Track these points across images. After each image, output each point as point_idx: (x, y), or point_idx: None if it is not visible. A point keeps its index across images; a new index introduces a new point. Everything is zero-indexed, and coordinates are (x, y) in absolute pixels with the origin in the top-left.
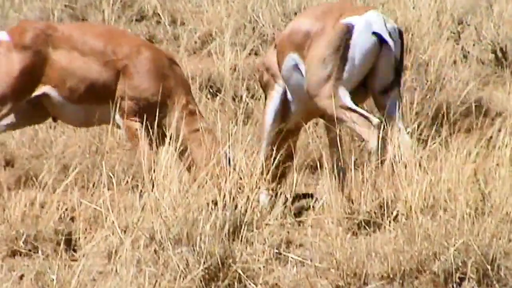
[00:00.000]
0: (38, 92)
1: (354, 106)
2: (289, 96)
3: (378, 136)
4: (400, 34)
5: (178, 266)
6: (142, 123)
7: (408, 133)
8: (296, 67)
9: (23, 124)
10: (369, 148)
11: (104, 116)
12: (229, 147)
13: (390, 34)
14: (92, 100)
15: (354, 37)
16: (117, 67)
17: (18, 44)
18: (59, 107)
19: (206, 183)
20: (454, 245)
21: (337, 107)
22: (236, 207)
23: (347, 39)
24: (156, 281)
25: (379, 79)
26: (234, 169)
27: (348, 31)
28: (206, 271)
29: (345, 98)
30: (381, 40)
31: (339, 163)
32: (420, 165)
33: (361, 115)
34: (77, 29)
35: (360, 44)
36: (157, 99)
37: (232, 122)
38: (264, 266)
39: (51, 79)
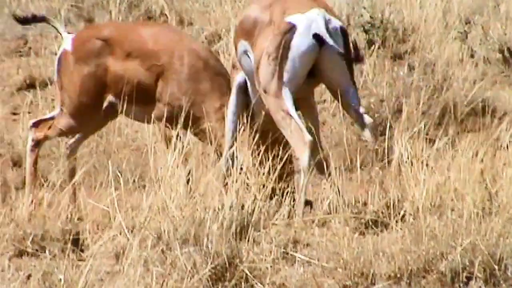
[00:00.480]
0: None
1: (295, 114)
2: (248, 84)
3: (309, 155)
4: (344, 32)
5: (185, 266)
6: (175, 128)
7: (370, 127)
8: (246, 53)
9: (93, 132)
10: (299, 166)
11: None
12: (235, 149)
13: (330, 34)
14: (143, 103)
15: (294, 37)
16: (157, 71)
17: (80, 58)
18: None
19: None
20: (461, 244)
21: (279, 110)
22: (243, 207)
23: (289, 39)
24: (164, 281)
25: (331, 80)
26: (241, 168)
27: (290, 30)
28: (213, 271)
29: (288, 102)
30: (321, 41)
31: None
32: (427, 165)
33: (298, 127)
34: (130, 31)
35: (300, 45)
36: (190, 105)
37: (239, 121)
38: (271, 266)
39: (111, 87)
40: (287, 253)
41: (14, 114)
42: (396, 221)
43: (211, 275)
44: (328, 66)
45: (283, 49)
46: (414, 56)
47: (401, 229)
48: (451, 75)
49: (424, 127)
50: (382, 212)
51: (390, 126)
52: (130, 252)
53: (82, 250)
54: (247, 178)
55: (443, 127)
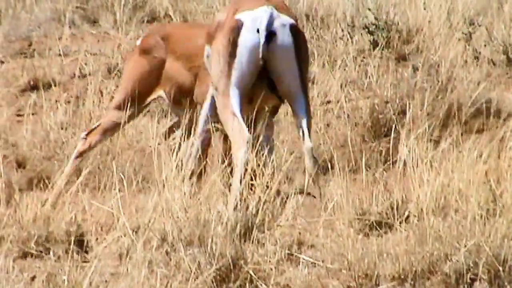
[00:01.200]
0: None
1: (238, 113)
2: None
3: (245, 152)
4: (294, 30)
5: (190, 267)
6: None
7: (309, 153)
8: (208, 57)
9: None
10: (234, 162)
11: None
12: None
13: (276, 30)
14: (187, 104)
15: (241, 33)
16: (194, 73)
17: (142, 50)
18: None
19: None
20: (466, 246)
21: (225, 109)
22: (247, 208)
23: (236, 36)
24: (168, 282)
25: (281, 84)
26: (246, 169)
27: (237, 27)
28: (218, 272)
29: (234, 100)
30: (268, 38)
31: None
32: (431, 166)
33: (240, 125)
34: (184, 31)
35: (246, 41)
36: None
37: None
38: (275, 267)
39: (164, 83)
40: (292, 255)
41: (18, 115)
42: (400, 222)
43: (215, 277)
44: (276, 66)
45: (232, 46)
46: (419, 57)
47: (405, 230)
48: (455, 76)
49: (428, 128)
50: (386, 213)
51: (395, 127)
52: (134, 253)
53: (86, 252)
54: (251, 179)
55: (448, 128)
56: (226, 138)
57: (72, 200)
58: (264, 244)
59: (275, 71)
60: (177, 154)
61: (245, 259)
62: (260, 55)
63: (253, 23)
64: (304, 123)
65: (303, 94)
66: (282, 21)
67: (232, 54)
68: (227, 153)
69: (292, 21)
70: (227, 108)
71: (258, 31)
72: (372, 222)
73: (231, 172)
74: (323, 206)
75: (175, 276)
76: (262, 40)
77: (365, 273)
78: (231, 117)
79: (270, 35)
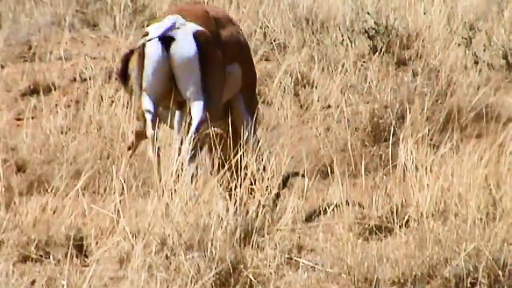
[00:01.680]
0: None
1: (147, 114)
2: None
3: (153, 147)
4: (197, 38)
5: (190, 272)
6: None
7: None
8: None
9: None
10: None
11: None
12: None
13: (174, 37)
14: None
15: (147, 45)
16: None
17: None
18: None
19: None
20: (465, 250)
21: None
22: (247, 212)
23: (144, 46)
24: (168, 286)
25: (179, 84)
26: (246, 174)
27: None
28: (218, 276)
29: (146, 105)
30: (167, 47)
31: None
32: (431, 170)
33: (147, 124)
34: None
35: (149, 50)
36: None
37: (243, 127)
38: (275, 271)
39: None
40: (291, 259)
41: (18, 119)
42: (400, 227)
43: (215, 281)
44: (176, 72)
45: (140, 57)
46: (418, 62)
47: (405, 234)
48: (455, 80)
49: (428, 132)
50: (386, 218)
51: (394, 132)
52: (134, 257)
53: (86, 256)
54: (251, 184)
55: (447, 133)
56: (211, 149)
57: (72, 204)
58: (263, 248)
59: (176, 76)
60: (176, 158)
61: (244, 263)
62: (162, 63)
63: (155, 32)
64: (192, 129)
65: (200, 102)
66: (186, 28)
67: (141, 65)
68: (213, 164)
69: (196, 29)
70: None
71: (159, 39)
72: (372, 226)
73: (231, 176)
74: (322, 210)
75: (174, 280)
76: (159, 46)
77: (365, 277)
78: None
79: (170, 42)
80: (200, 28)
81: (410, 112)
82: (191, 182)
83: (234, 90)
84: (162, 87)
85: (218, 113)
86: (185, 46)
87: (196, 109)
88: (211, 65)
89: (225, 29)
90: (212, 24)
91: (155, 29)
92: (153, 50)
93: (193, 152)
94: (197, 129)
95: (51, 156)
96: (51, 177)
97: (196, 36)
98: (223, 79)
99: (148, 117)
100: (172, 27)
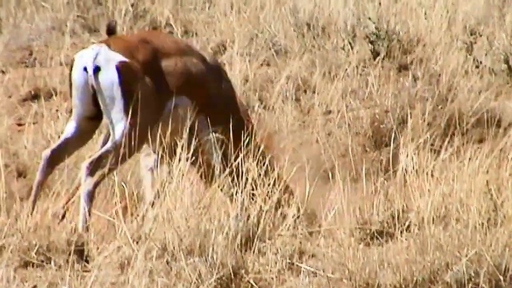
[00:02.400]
0: None
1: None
2: None
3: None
4: (118, 68)
5: (191, 277)
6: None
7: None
8: None
9: None
10: None
11: None
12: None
13: (99, 66)
14: None
15: (72, 71)
16: None
17: None
18: None
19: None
20: (467, 255)
21: None
22: (248, 217)
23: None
24: None
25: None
26: (247, 179)
27: (71, 66)
28: (219, 281)
29: (66, 129)
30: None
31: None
32: (432, 175)
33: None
34: None
35: (74, 78)
36: None
37: (244, 132)
38: (276, 277)
39: None
40: (293, 264)
41: (19, 124)
42: (401, 232)
43: (216, 286)
44: (100, 97)
45: (69, 81)
46: (419, 67)
47: (406, 239)
48: (456, 85)
49: (429, 137)
50: (387, 223)
51: (395, 137)
52: (135, 262)
53: (87, 261)
54: (252, 189)
55: (448, 138)
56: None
57: (73, 209)
58: (265, 253)
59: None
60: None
61: (246, 269)
62: (86, 89)
63: (78, 61)
64: (104, 149)
65: (117, 128)
66: (109, 57)
67: (70, 89)
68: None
69: (119, 60)
70: None
71: (84, 68)
72: (373, 232)
73: (232, 181)
74: (324, 216)
75: (175, 285)
76: (89, 73)
77: (366, 282)
78: None
79: (96, 70)
80: (122, 58)
81: (411, 117)
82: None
83: (186, 119)
84: (87, 110)
85: (143, 137)
86: (108, 75)
87: (116, 132)
88: (135, 94)
89: (170, 61)
90: (145, 54)
91: (78, 58)
92: (78, 76)
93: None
94: (111, 148)
95: None
96: (52, 182)
97: (118, 68)
98: (150, 108)
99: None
100: (96, 57)
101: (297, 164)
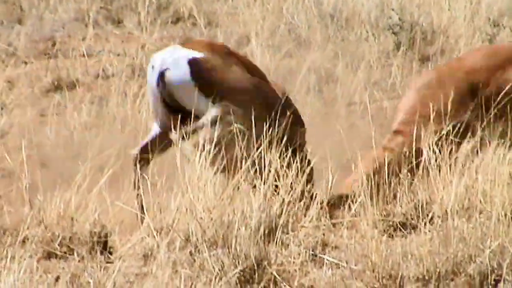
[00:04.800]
0: None
1: (147, 137)
2: None
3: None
4: (192, 63)
5: (214, 268)
6: None
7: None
8: None
9: None
10: None
11: None
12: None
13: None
14: None
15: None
16: None
17: None
18: None
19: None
20: (490, 247)
21: None
22: (271, 209)
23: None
24: (192, 283)
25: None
26: (269, 171)
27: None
28: (242, 273)
29: (152, 130)
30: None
31: None
32: (455, 167)
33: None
34: None
35: (148, 79)
36: None
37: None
38: (299, 268)
39: None
40: (316, 256)
41: (42, 115)
42: (425, 224)
43: (239, 278)
44: (178, 96)
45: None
46: (442, 58)
47: (429, 231)
48: None
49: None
50: (410, 215)
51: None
52: (158, 254)
53: (110, 252)
54: (275, 180)
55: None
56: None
57: (96, 200)
58: (288, 245)
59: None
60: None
61: (269, 260)
62: (157, 90)
63: (152, 62)
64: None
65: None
66: (181, 55)
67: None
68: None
69: (192, 56)
70: None
71: (155, 68)
72: (396, 223)
73: (254, 173)
74: (347, 207)
75: (199, 277)
76: (155, 76)
77: (389, 274)
78: None
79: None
80: (193, 55)
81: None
82: None
83: None
84: (162, 113)
85: None
86: (179, 73)
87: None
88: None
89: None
90: (218, 54)
91: (152, 60)
92: (150, 78)
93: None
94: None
95: (75, 152)
96: (75, 173)
97: (191, 63)
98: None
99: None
100: (167, 56)
101: (320, 155)
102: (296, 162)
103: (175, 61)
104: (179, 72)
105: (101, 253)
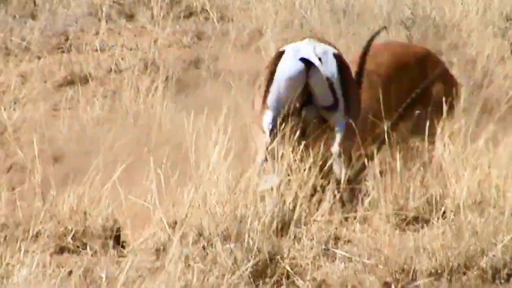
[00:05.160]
0: None
1: (265, 128)
2: None
3: (264, 154)
4: (336, 56)
5: (226, 262)
6: None
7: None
8: None
9: None
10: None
11: None
12: None
13: (320, 58)
14: None
15: (281, 62)
16: None
17: None
18: None
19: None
20: (502, 241)
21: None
22: (284, 203)
23: (276, 64)
24: (204, 277)
25: (318, 98)
26: (282, 164)
27: (278, 57)
28: (254, 267)
29: (266, 119)
30: (308, 64)
31: None
32: (468, 161)
33: (263, 130)
34: None
35: (284, 68)
36: None
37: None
38: (312, 262)
39: None
40: (328, 250)
41: (55, 110)
42: (437, 218)
43: (252, 272)
44: (315, 89)
45: (270, 73)
46: (455, 52)
47: (442, 225)
48: (491, 71)
49: (465, 123)
50: (423, 209)
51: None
52: (171, 248)
53: (123, 247)
54: (288, 175)
55: (484, 124)
56: None
57: (109, 195)
58: (300, 239)
59: (315, 89)
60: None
61: (281, 254)
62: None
63: (294, 52)
64: (339, 134)
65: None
66: (324, 48)
67: (270, 80)
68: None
69: (332, 49)
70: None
71: (301, 59)
72: (409, 217)
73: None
74: (360, 201)
75: (211, 271)
76: (317, 62)
77: (402, 268)
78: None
79: (309, 62)
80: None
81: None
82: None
83: None
84: (287, 101)
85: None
86: (327, 64)
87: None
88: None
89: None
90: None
91: (291, 49)
92: (294, 68)
93: None
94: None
95: (87, 147)
96: (87, 167)
97: (335, 55)
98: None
99: (267, 135)
100: (314, 49)
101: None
102: None
103: (324, 53)
104: (329, 65)
105: (114, 247)
